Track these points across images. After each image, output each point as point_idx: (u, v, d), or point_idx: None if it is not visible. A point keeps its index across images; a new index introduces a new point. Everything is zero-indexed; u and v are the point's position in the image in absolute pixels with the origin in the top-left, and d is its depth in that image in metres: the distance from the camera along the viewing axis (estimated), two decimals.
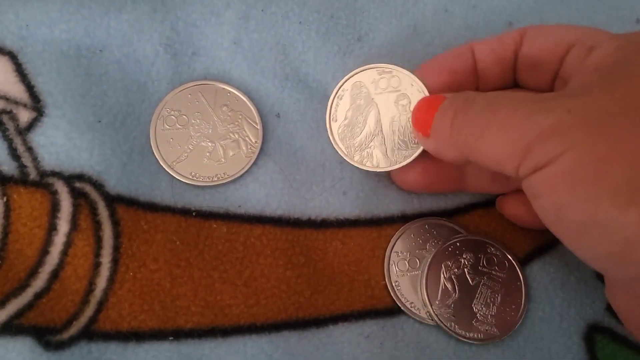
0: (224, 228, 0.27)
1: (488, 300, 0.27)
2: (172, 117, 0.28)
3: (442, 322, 0.26)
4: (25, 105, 0.27)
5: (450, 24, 0.30)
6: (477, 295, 0.27)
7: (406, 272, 0.27)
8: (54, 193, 0.26)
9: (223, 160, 0.28)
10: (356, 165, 0.27)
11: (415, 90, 0.26)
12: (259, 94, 0.29)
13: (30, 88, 0.27)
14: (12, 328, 0.24)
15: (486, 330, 0.26)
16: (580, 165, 0.18)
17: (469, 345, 0.26)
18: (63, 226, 0.25)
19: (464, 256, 0.27)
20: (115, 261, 0.26)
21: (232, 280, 0.27)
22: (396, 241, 0.28)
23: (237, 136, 0.28)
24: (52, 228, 0.25)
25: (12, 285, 0.25)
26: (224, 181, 0.27)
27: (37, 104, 0.27)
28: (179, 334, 0.26)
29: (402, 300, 0.27)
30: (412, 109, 0.26)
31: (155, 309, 0.26)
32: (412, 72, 0.26)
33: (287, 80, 0.29)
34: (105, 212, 0.26)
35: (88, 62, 0.28)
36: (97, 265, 0.25)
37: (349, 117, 0.27)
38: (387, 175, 0.29)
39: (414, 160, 0.26)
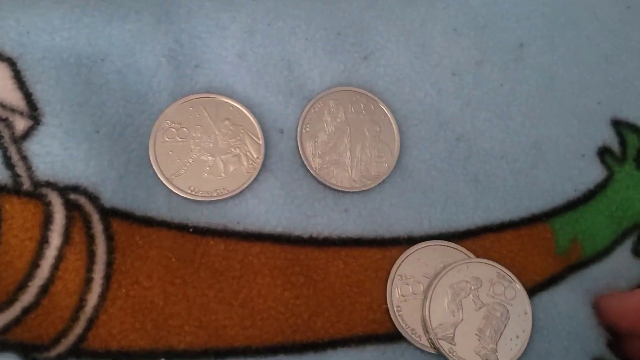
0: (221, 245, 0.26)
1: (493, 328, 0.26)
2: (173, 129, 0.27)
3: (443, 348, 0.25)
4: (22, 113, 0.26)
5: (459, 44, 0.29)
6: (481, 322, 0.26)
7: (409, 297, 0.27)
8: (47, 204, 0.25)
9: (223, 175, 0.27)
10: (322, 181, 0.27)
11: (386, 120, 0.28)
12: (262, 109, 0.28)
13: (27, 96, 0.26)
14: None
15: (488, 359, 0.25)
16: None
17: None
18: (55, 239, 0.25)
19: (471, 281, 0.26)
20: (107, 277, 0.25)
21: (228, 300, 0.26)
22: (401, 264, 0.27)
23: (238, 151, 0.27)
24: (44, 240, 0.24)
25: (0, 299, 0.24)
26: (224, 197, 0.27)
27: (34, 112, 0.26)
28: (171, 355, 0.25)
29: (403, 325, 0.26)
30: (381, 138, 0.28)
31: (147, 327, 0.25)
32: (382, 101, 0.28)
33: (291, 96, 0.28)
34: (100, 226, 0.25)
35: (88, 71, 0.27)
36: (88, 280, 0.24)
37: (321, 135, 0.28)
38: (394, 194, 0.28)
39: None
